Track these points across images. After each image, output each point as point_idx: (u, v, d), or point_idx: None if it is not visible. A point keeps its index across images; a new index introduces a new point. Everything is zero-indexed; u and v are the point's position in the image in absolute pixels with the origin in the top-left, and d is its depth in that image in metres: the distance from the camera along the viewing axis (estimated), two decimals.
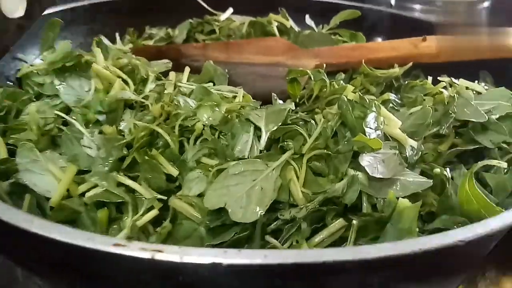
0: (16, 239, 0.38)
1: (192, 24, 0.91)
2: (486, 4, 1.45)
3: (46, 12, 0.89)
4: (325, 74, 0.64)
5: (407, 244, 0.33)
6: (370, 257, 0.31)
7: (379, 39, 0.99)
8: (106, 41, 0.62)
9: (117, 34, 0.89)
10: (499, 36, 0.69)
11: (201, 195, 0.50)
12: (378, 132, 0.52)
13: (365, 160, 0.47)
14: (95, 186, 0.50)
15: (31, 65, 0.63)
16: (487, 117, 0.55)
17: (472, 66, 0.73)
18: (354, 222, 0.43)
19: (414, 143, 0.51)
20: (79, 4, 0.90)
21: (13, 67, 0.81)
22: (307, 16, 0.91)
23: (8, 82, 0.78)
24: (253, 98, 0.63)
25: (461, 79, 0.64)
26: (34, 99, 0.63)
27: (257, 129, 0.54)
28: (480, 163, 0.48)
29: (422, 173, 0.54)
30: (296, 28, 0.90)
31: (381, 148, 0.47)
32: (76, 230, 0.33)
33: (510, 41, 0.66)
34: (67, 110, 0.58)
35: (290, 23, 0.89)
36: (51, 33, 0.64)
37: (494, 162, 0.48)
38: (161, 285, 0.31)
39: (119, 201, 0.48)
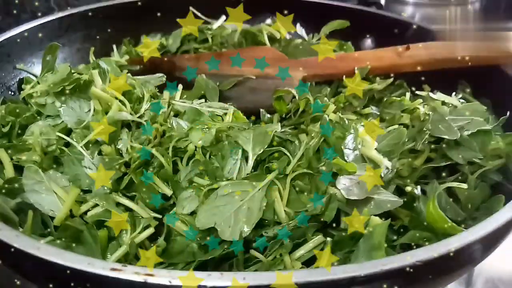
0: (23, 263, 0.42)
1: (186, 31, 0.94)
2: None
3: (44, 20, 0.93)
4: (310, 91, 0.68)
5: (371, 264, 0.38)
6: (337, 277, 0.36)
7: (369, 40, 1.03)
8: (103, 64, 0.65)
9: (114, 46, 0.92)
10: (482, 44, 0.73)
11: (193, 213, 0.55)
12: (356, 152, 0.56)
13: (341, 183, 0.52)
14: (96, 206, 0.54)
15: (33, 87, 0.67)
16: (459, 134, 0.59)
17: (452, 76, 0.77)
18: (328, 239, 0.48)
19: (389, 164, 0.56)
20: (76, 10, 0.93)
21: (14, 77, 0.85)
22: (298, 25, 0.94)
23: (10, 92, 0.83)
24: (243, 112, 0.67)
25: (438, 93, 0.68)
26: (37, 115, 0.67)
27: (245, 151, 0.58)
28: (442, 186, 0.53)
29: (397, 188, 0.58)
30: (288, 36, 0.93)
31: (356, 172, 0.51)
32: (78, 255, 0.38)
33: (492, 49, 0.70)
34: (68, 130, 0.62)
35: (281, 32, 0.91)
36: (51, 56, 0.67)
37: (454, 184, 0.53)
38: None
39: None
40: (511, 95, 0.71)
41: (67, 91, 0.63)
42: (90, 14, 0.97)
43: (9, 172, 0.59)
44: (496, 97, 0.74)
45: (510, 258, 0.81)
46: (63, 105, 0.63)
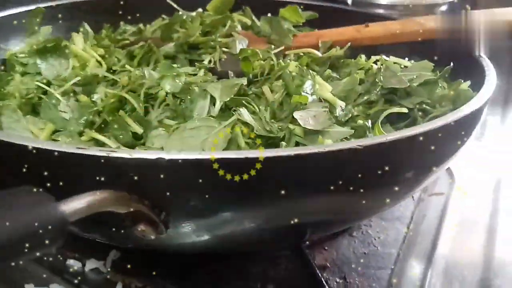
0: None
1: (164, 20, 1.00)
2: (444, 8, 1.59)
3: (29, 7, 0.99)
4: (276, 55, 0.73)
5: (316, 147, 0.42)
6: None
7: None
8: (87, 27, 0.71)
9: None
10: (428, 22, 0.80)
11: (162, 149, 0.58)
12: (314, 96, 0.62)
13: (299, 114, 0.57)
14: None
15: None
16: (408, 83, 0.65)
17: (406, 51, 0.84)
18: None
19: (342, 104, 0.61)
20: (60, 2, 0.99)
21: None
22: (269, 15, 1.01)
23: None
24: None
25: (391, 56, 0.74)
26: None
27: (213, 98, 0.63)
28: (386, 112, 0.59)
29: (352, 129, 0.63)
30: (259, 24, 1.00)
31: (307, 102, 0.56)
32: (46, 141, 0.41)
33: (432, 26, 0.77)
34: (48, 84, 0.67)
35: (252, 19, 0.98)
36: (35, 20, 0.72)
37: (395, 109, 0.59)
38: (116, 181, 0.39)
39: None
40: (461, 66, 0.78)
41: (48, 51, 0.68)
42: (73, 6, 1.03)
43: None
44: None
45: (471, 239, 0.86)
46: (43, 62, 0.67)
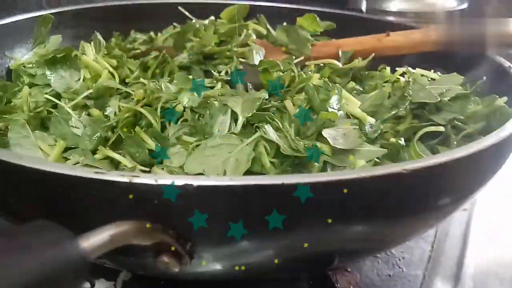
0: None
1: (176, 28, 0.97)
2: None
3: (35, 14, 0.95)
4: (294, 65, 0.70)
5: (359, 171, 0.39)
6: (315, 180, 0.36)
7: None
8: (99, 36, 0.67)
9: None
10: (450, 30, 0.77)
11: (181, 168, 0.55)
12: (341, 112, 0.58)
13: (327, 133, 0.53)
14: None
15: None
16: (439, 98, 0.61)
17: (429, 62, 0.80)
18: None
19: (372, 120, 0.57)
20: (67, 8, 0.95)
21: (2, 64, 0.86)
22: (284, 24, 0.97)
23: None
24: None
25: (417, 68, 0.71)
26: None
27: (234, 113, 0.59)
28: (422, 131, 0.55)
29: (382, 147, 0.59)
30: (274, 33, 0.96)
31: (337, 119, 0.53)
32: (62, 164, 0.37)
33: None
34: (57, 97, 0.63)
35: (267, 28, 0.95)
36: (43, 28, 0.69)
37: (432, 128, 0.55)
38: (139, 209, 0.35)
39: None
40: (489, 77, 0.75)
41: (58, 61, 0.64)
42: (80, 13, 1.00)
43: None
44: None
45: (498, 256, 0.82)
46: (53, 73, 0.64)
